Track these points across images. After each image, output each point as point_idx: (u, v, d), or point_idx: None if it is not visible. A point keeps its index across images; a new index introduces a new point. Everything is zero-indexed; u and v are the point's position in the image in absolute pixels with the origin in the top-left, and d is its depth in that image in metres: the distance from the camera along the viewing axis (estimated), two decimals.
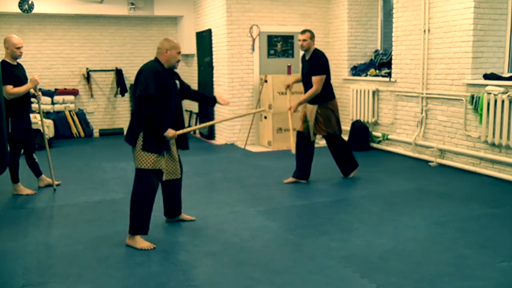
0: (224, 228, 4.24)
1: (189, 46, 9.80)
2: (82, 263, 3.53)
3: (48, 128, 8.25)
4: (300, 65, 5.85)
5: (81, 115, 9.67)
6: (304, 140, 5.68)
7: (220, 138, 8.84)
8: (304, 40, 5.47)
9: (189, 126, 9.70)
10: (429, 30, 6.59)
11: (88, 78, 9.79)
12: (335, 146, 5.76)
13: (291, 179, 5.73)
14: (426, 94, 6.70)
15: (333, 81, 6.43)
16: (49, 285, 3.19)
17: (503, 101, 5.53)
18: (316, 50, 5.55)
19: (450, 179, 5.84)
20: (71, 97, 9.54)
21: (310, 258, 3.57)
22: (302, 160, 5.69)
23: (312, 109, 5.55)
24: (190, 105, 10.27)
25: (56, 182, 5.65)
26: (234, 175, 6.21)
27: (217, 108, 8.78)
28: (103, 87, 10.05)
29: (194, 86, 9.79)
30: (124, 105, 10.23)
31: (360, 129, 7.70)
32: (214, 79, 8.90)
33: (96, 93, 9.99)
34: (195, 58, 9.87)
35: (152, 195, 3.88)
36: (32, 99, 5.49)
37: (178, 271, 3.39)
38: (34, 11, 8.52)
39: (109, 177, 6.19)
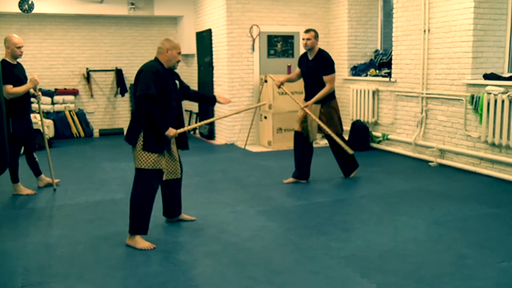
0: (224, 228, 4.24)
1: (189, 46, 9.80)
2: (82, 263, 3.53)
3: (48, 128, 8.26)
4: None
5: (81, 115, 9.67)
6: (302, 140, 5.68)
7: (220, 138, 8.84)
8: (308, 39, 5.47)
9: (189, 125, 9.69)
10: (429, 30, 6.59)
11: (88, 78, 9.79)
12: (337, 145, 5.76)
13: (291, 179, 5.73)
14: (426, 94, 6.70)
15: None
16: (49, 285, 3.19)
17: (503, 101, 5.53)
18: (321, 49, 5.57)
19: (450, 179, 5.84)
20: (71, 97, 9.54)
21: (310, 258, 3.57)
22: (301, 160, 5.69)
23: (315, 109, 5.56)
24: (190, 105, 10.27)
25: (55, 181, 5.65)
26: (234, 175, 6.21)
27: (217, 108, 8.78)
28: (103, 87, 10.05)
29: (194, 86, 9.79)
30: (124, 105, 10.23)
31: (360, 129, 7.71)
32: (214, 79, 8.90)
33: (96, 93, 9.99)
34: (195, 58, 9.87)
35: (152, 195, 3.88)
36: (32, 99, 5.49)
37: (178, 271, 3.39)
38: (34, 11, 8.52)
39: (109, 177, 6.19)
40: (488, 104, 5.71)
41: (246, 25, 8.30)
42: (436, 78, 6.57)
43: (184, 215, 4.41)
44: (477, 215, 4.47)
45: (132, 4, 9.29)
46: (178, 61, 4.01)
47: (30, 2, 8.43)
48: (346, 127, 7.86)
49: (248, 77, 8.44)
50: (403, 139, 7.19)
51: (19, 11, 8.45)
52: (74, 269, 3.43)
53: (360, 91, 7.94)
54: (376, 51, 8.39)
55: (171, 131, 3.86)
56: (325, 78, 5.46)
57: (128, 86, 9.95)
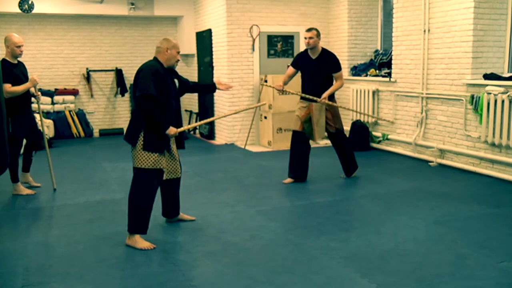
0: (224, 228, 4.24)
1: (189, 46, 9.80)
2: (82, 263, 3.53)
3: (48, 128, 8.25)
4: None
5: (81, 115, 9.66)
6: (301, 140, 5.68)
7: (220, 138, 8.84)
8: (310, 38, 5.48)
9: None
10: (429, 30, 6.59)
11: (88, 78, 9.78)
12: (341, 144, 5.77)
13: (290, 180, 5.73)
14: (426, 94, 6.70)
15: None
16: (49, 285, 3.19)
17: (503, 101, 5.53)
18: (324, 49, 5.63)
19: (450, 179, 5.84)
20: (71, 97, 9.54)
21: (310, 258, 3.57)
22: (299, 160, 5.69)
23: (320, 108, 5.57)
24: (190, 105, 10.27)
25: (37, 184, 5.62)
26: (234, 175, 6.21)
27: (217, 108, 8.78)
28: (103, 87, 10.05)
29: None
30: (124, 105, 10.23)
31: (360, 129, 7.71)
32: (214, 79, 8.89)
33: (96, 93, 9.99)
34: (195, 58, 9.87)
35: (152, 195, 3.88)
36: (32, 99, 5.49)
37: (178, 271, 3.39)
38: (34, 11, 8.52)
39: (109, 177, 6.19)
40: (488, 104, 5.71)
41: (246, 25, 8.30)
42: (436, 78, 6.57)
43: (183, 215, 4.41)
44: (477, 215, 4.47)
45: (132, 4, 9.29)
46: (178, 61, 4.01)
47: (30, 2, 8.44)
48: (346, 127, 7.85)
49: (248, 77, 8.44)
50: (403, 139, 7.19)
51: (19, 11, 8.45)
52: (74, 269, 3.43)
53: (360, 91, 7.94)
54: (376, 51, 8.39)
55: (172, 130, 3.87)
56: (336, 75, 5.61)
57: (128, 86, 9.95)
